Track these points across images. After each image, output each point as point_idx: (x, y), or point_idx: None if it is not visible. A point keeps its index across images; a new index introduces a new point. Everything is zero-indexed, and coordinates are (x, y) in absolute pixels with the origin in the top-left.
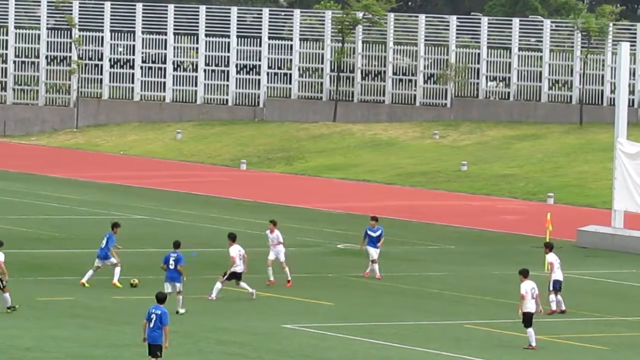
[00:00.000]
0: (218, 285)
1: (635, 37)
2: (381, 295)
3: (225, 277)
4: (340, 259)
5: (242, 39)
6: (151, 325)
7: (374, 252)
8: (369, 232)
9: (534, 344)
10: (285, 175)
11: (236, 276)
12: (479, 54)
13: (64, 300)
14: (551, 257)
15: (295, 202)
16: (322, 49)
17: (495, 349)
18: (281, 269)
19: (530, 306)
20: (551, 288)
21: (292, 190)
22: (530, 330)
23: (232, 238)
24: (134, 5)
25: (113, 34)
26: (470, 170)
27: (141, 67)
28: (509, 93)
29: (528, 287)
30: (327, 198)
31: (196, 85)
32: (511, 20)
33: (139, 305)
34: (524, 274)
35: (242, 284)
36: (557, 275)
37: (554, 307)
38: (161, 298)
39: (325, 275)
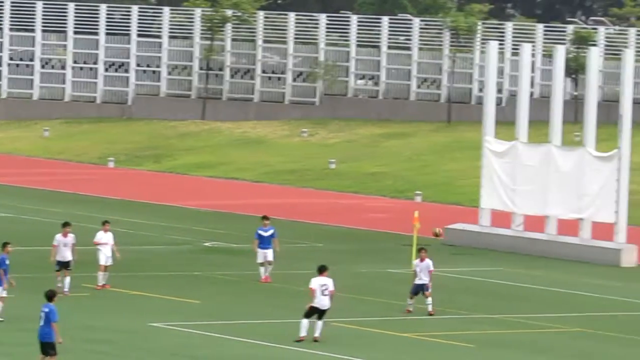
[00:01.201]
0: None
1: (503, 36)
2: (250, 293)
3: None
4: (208, 257)
5: (111, 37)
6: (41, 324)
7: (261, 255)
8: (260, 233)
9: (302, 334)
10: (154, 173)
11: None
12: (348, 52)
13: None
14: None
15: (163, 200)
16: (191, 46)
17: (364, 346)
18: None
19: (317, 301)
20: (412, 292)
21: (161, 188)
22: (305, 321)
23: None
24: (2, 2)
25: None
26: (339, 168)
27: (8, 65)
28: (378, 91)
29: (318, 282)
30: (195, 196)
31: (64, 83)
32: (380, 18)
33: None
34: (320, 270)
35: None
36: (420, 279)
37: (410, 308)
38: (50, 296)
39: (192, 274)
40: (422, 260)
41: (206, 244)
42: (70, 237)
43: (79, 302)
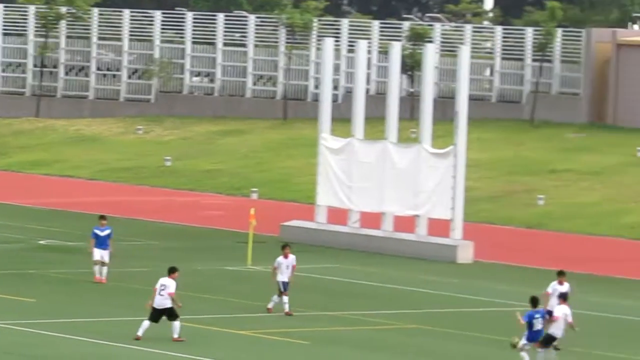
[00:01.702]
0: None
1: (339, 33)
2: (84, 292)
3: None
4: (43, 255)
5: None
6: None
7: (97, 254)
8: (96, 232)
9: (139, 333)
10: None
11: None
12: (183, 49)
13: None
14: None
15: None
16: (26, 44)
17: (201, 344)
18: None
19: (156, 301)
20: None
21: None
22: (146, 322)
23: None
24: None
25: None
26: (175, 165)
27: None
28: (213, 88)
29: (160, 282)
30: (30, 194)
31: None
32: (216, 15)
33: None
34: (170, 271)
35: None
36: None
37: (270, 305)
38: None
39: (26, 272)
40: (285, 256)
41: (41, 242)
42: None
43: None
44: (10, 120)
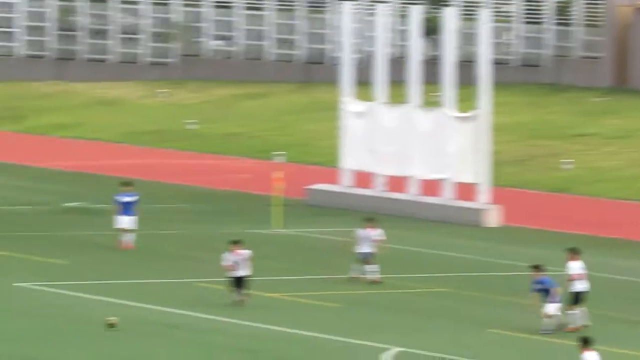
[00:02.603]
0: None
1: None
2: (114, 253)
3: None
4: (69, 218)
5: None
6: None
7: (124, 221)
8: (120, 199)
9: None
10: (13, 133)
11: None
12: (204, 12)
13: None
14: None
15: (23, 160)
16: (47, 7)
17: (228, 307)
18: None
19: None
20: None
21: (20, 148)
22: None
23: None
24: None
25: None
26: (198, 128)
27: None
28: (234, 52)
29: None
30: (54, 156)
31: None
32: None
33: None
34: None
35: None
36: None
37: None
38: None
39: (54, 234)
40: (368, 229)
41: (66, 205)
42: None
43: None
44: (34, 84)
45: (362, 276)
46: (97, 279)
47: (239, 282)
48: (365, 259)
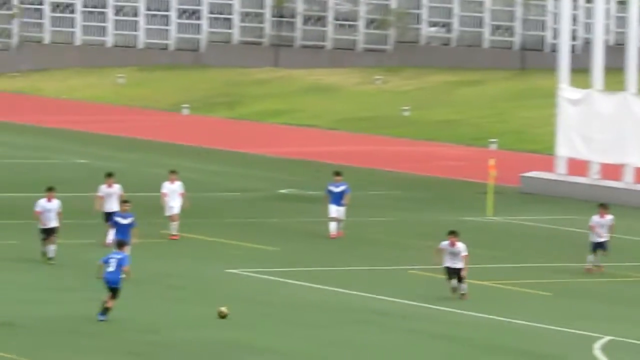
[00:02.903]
0: None
1: None
2: (324, 241)
3: None
4: (283, 205)
5: None
6: (110, 269)
7: (333, 211)
8: (331, 188)
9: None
10: (228, 120)
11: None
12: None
13: (6, 244)
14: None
15: (237, 147)
16: None
17: (438, 295)
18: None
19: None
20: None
21: (235, 135)
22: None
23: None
24: None
25: None
26: (413, 115)
27: (82, 12)
28: (450, 39)
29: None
30: (269, 143)
31: (137, 30)
32: None
33: (79, 250)
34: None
35: None
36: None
37: (589, 266)
38: (120, 244)
39: (268, 221)
40: (602, 216)
41: (281, 191)
42: (116, 187)
43: (155, 249)
44: (249, 70)
45: (597, 265)
46: (306, 266)
47: (451, 271)
48: (599, 247)
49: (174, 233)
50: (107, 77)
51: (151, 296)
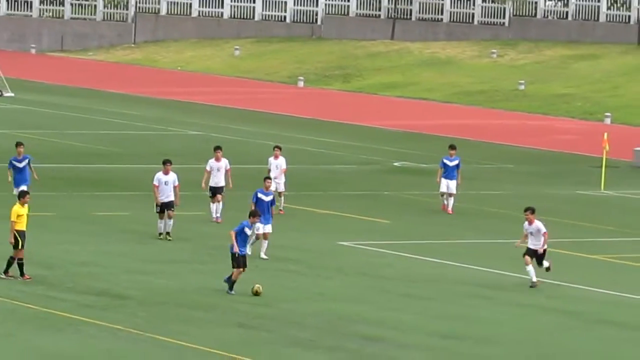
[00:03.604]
0: None
1: None
2: (438, 214)
3: None
4: (397, 177)
5: None
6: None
7: (444, 185)
8: (445, 162)
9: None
10: (343, 92)
11: None
12: None
13: (120, 216)
14: None
15: (352, 119)
16: None
17: (557, 268)
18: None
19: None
20: None
21: (350, 107)
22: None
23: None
24: None
25: None
26: (528, 89)
27: None
28: (567, 12)
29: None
30: (384, 116)
31: (254, 2)
32: None
33: (192, 222)
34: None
35: None
36: None
37: None
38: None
39: (382, 193)
40: None
41: (395, 164)
42: (224, 162)
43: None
44: (365, 43)
45: None
46: (419, 239)
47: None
48: None
49: (280, 208)
50: (222, 49)
51: (267, 268)
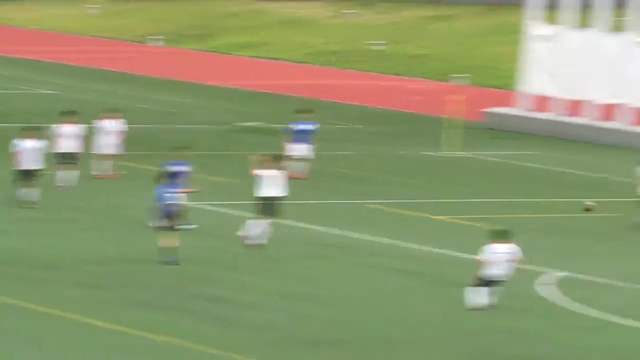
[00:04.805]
0: None
1: None
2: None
3: None
4: (245, 137)
5: None
6: None
7: (295, 149)
8: (293, 126)
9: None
10: (198, 52)
11: None
12: None
13: None
14: None
15: (206, 79)
16: None
17: (398, 229)
18: None
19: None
20: None
21: (204, 67)
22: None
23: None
24: None
25: None
26: (384, 50)
27: None
28: None
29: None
30: (235, 76)
31: None
32: None
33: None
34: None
35: None
36: None
37: None
38: None
39: (232, 153)
40: None
41: (244, 124)
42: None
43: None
44: (222, 3)
45: None
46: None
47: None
48: None
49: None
50: (78, 8)
51: (109, 229)
